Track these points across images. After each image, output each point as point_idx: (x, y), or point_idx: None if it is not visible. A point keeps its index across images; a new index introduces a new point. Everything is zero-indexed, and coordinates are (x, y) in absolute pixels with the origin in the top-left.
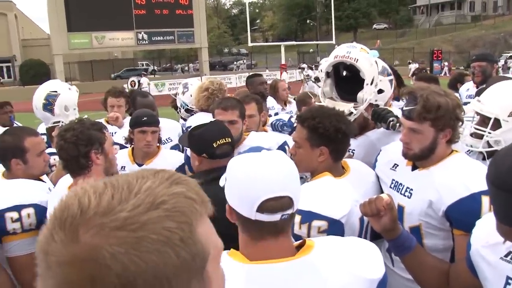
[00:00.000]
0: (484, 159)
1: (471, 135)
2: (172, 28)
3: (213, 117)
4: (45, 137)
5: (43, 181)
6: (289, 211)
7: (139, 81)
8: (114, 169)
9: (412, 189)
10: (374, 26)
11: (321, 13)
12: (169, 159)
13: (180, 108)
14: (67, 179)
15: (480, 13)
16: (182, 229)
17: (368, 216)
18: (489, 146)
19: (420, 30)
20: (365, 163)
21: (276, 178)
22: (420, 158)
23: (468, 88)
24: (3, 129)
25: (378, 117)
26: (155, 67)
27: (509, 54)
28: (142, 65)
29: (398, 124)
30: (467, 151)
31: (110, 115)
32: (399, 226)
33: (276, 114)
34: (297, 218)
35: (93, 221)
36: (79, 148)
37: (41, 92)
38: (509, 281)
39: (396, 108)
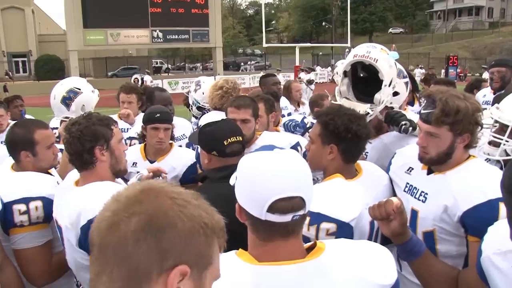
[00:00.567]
0: (501, 168)
1: (489, 143)
2: (187, 27)
3: (226, 116)
4: (56, 131)
5: (51, 174)
6: (301, 212)
7: (142, 79)
8: (121, 166)
9: (427, 194)
10: (390, 30)
11: (337, 15)
12: (181, 157)
13: (192, 106)
14: (74, 174)
15: (499, 19)
16: None
17: (377, 220)
18: (507, 154)
19: (436, 35)
20: (378, 166)
21: (287, 177)
22: (436, 163)
23: (484, 94)
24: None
25: (391, 120)
26: (169, 66)
27: None
28: (156, 63)
29: (410, 128)
30: (486, 159)
31: (122, 112)
32: (409, 231)
33: (289, 114)
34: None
35: None
36: (83, 144)
37: (65, 85)
38: None
39: (411, 112)
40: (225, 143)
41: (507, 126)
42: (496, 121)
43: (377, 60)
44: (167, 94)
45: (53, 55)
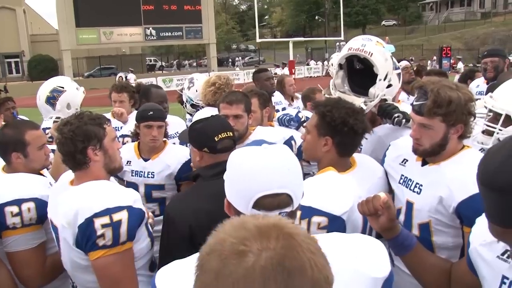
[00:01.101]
0: None
1: (483, 132)
2: (180, 24)
3: (219, 111)
4: (48, 131)
5: (43, 175)
6: (287, 209)
7: (126, 77)
8: (116, 164)
9: (422, 185)
10: (383, 22)
11: (330, 9)
12: (175, 154)
13: (185, 103)
14: (68, 174)
15: (490, 9)
16: None
17: (366, 215)
18: None
19: (429, 27)
20: (373, 158)
21: (273, 174)
22: (430, 154)
23: (478, 84)
24: None
25: (384, 112)
26: (163, 63)
27: None
28: (150, 60)
29: (404, 120)
30: (480, 149)
31: (115, 110)
32: (398, 225)
33: (284, 109)
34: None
35: None
36: (75, 144)
37: (48, 85)
38: (505, 280)
39: (404, 104)
40: (216, 139)
41: (501, 115)
42: (490, 110)
43: (372, 54)
44: (163, 91)
45: (46, 55)
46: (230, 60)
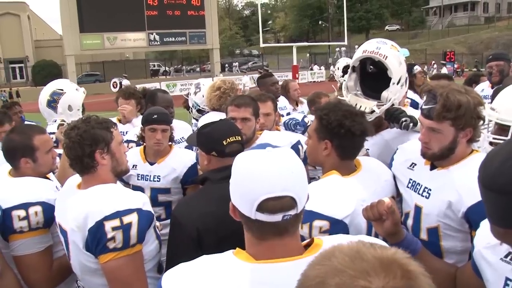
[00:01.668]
0: None
1: (490, 144)
2: (183, 29)
3: (226, 114)
4: (54, 136)
5: (49, 179)
6: (292, 212)
7: (120, 83)
8: (123, 167)
9: (430, 189)
10: (386, 27)
11: (333, 14)
12: (181, 158)
13: (191, 109)
14: (75, 178)
15: (494, 14)
16: None
17: (371, 220)
18: None
19: (433, 31)
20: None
21: (277, 177)
22: (439, 158)
23: (483, 88)
24: None
25: (391, 117)
26: (167, 68)
27: None
28: (154, 65)
29: (411, 124)
30: None
31: (120, 110)
32: (403, 230)
33: (288, 114)
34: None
35: None
36: (83, 148)
37: (48, 89)
38: (508, 282)
39: (411, 108)
40: (224, 143)
41: (508, 126)
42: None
43: (386, 57)
44: (169, 96)
45: (50, 60)
46: (226, 65)
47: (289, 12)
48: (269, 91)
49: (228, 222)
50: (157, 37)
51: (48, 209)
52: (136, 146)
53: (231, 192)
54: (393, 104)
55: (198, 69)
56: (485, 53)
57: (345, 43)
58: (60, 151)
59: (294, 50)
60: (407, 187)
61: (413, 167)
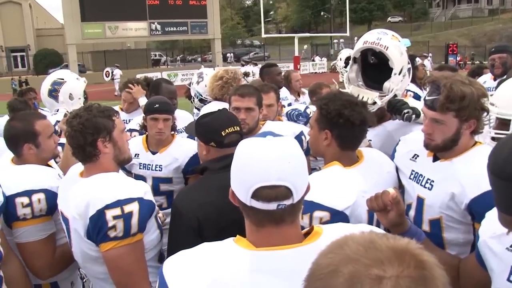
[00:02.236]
0: None
1: (492, 139)
2: (185, 18)
3: (230, 104)
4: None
5: (52, 167)
6: (287, 202)
7: (112, 72)
8: (125, 156)
9: (433, 181)
10: (389, 19)
11: (335, 5)
12: (183, 147)
13: (193, 98)
14: (77, 166)
15: (498, 6)
16: None
17: (375, 211)
18: None
19: (436, 23)
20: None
21: (273, 165)
22: (442, 150)
23: (485, 80)
24: None
25: (393, 108)
26: (168, 58)
27: None
28: (155, 55)
29: (413, 116)
30: None
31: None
32: (407, 221)
33: (289, 105)
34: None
35: None
36: (85, 137)
37: (49, 79)
38: None
39: (413, 99)
40: (223, 134)
41: (509, 120)
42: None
43: (387, 47)
44: (173, 87)
45: (52, 49)
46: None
47: (291, 3)
48: (274, 81)
49: (228, 212)
50: (158, 27)
51: (51, 197)
52: (139, 135)
53: (231, 177)
54: (395, 95)
55: (199, 59)
56: (488, 45)
57: (347, 34)
58: (63, 140)
59: (296, 41)
60: (410, 178)
61: (416, 158)
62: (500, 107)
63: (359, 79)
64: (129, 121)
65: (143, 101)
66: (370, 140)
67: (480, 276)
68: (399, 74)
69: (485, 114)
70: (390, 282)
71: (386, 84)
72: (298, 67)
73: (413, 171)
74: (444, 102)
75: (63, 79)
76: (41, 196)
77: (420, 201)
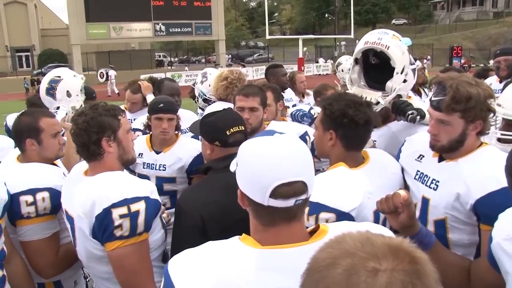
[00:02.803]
0: None
1: (499, 140)
2: (189, 20)
3: (234, 104)
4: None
5: (57, 165)
6: (303, 196)
7: (107, 73)
8: (129, 156)
9: (438, 181)
10: (393, 21)
11: (340, 7)
12: (187, 147)
13: (198, 98)
14: (82, 165)
15: (503, 9)
16: None
17: (386, 213)
18: None
19: (440, 26)
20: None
21: (289, 162)
22: (448, 150)
23: (491, 82)
24: None
25: (398, 110)
26: (172, 59)
27: None
28: (159, 56)
29: (418, 117)
30: None
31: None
32: (418, 223)
33: (294, 106)
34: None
35: None
36: (89, 135)
37: (46, 77)
38: None
39: (417, 99)
40: (228, 133)
41: None
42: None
43: (388, 47)
44: (176, 84)
45: (56, 49)
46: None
47: (295, 5)
48: (280, 82)
49: (232, 211)
50: (163, 28)
51: (55, 195)
52: (143, 135)
53: (239, 180)
54: (400, 96)
55: (203, 60)
56: (493, 48)
57: (352, 36)
58: (65, 139)
59: (300, 42)
60: (415, 178)
61: (421, 159)
62: (507, 108)
63: (361, 80)
64: (133, 120)
65: (150, 97)
66: (375, 141)
67: (492, 278)
68: (401, 73)
69: (491, 115)
70: (386, 274)
71: (389, 84)
72: (302, 69)
73: (418, 171)
74: (450, 103)
75: (59, 76)
76: (46, 194)
77: (425, 201)
